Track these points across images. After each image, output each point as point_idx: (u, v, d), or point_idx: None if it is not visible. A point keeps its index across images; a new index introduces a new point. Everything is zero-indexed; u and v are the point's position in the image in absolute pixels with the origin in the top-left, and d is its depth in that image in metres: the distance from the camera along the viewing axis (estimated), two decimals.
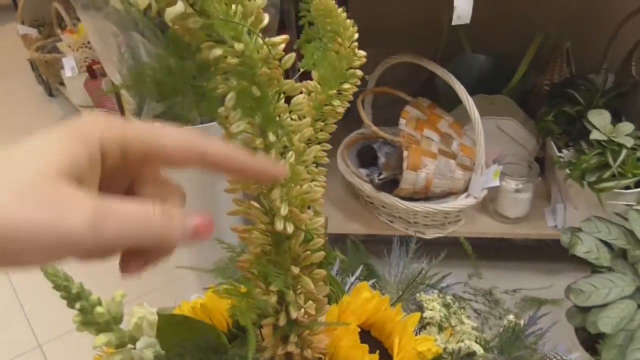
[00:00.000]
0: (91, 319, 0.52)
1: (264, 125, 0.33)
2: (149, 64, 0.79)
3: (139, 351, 0.52)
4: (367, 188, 1.23)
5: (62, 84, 2.10)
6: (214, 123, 0.87)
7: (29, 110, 2.35)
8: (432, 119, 1.26)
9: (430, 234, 1.24)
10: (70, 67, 1.89)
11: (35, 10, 2.36)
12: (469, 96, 1.15)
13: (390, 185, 1.24)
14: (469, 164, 1.21)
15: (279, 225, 0.37)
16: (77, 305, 0.51)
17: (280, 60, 0.33)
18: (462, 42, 1.67)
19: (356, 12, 1.74)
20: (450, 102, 1.37)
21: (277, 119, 0.34)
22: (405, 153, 1.16)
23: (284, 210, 0.36)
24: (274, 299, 0.42)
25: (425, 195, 1.21)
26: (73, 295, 0.51)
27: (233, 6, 0.32)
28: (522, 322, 0.57)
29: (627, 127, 1.19)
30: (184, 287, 1.37)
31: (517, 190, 1.26)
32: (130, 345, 0.54)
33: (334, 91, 0.49)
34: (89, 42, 1.91)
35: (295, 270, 0.41)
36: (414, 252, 0.68)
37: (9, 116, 2.30)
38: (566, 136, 1.31)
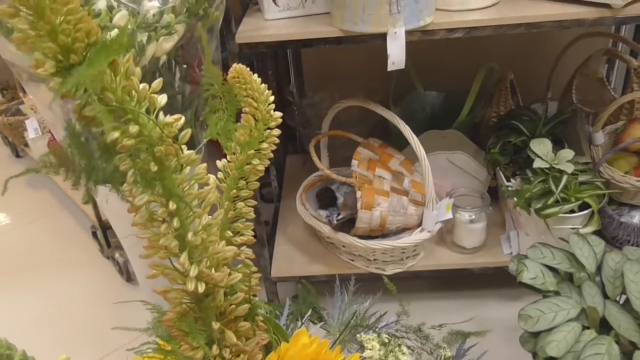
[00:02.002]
0: None
1: (166, 196, 0.37)
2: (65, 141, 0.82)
3: None
4: (326, 229, 1.27)
5: (27, 145, 2.12)
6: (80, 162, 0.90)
7: None
8: (383, 158, 1.31)
9: (390, 270, 1.27)
10: (33, 129, 1.92)
11: (0, 75, 2.39)
12: (414, 135, 1.20)
13: (349, 225, 1.27)
14: (420, 199, 1.25)
15: (191, 286, 0.39)
16: None
17: (176, 137, 0.37)
18: (414, 80, 1.74)
19: (311, 58, 1.81)
20: (403, 139, 1.42)
21: (178, 189, 0.37)
22: (358, 193, 1.20)
23: (193, 271, 0.39)
24: (199, 354, 0.45)
25: (381, 232, 1.24)
26: None
27: (129, 92, 0.36)
28: (451, 355, 0.60)
29: (567, 153, 1.24)
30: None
31: (472, 221, 1.30)
32: None
33: (253, 151, 0.53)
34: None
35: (216, 325, 0.43)
36: (355, 292, 0.70)
37: None
38: (513, 166, 1.36)
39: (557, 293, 0.97)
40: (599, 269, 0.98)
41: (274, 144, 0.54)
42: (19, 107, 2.14)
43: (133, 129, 0.34)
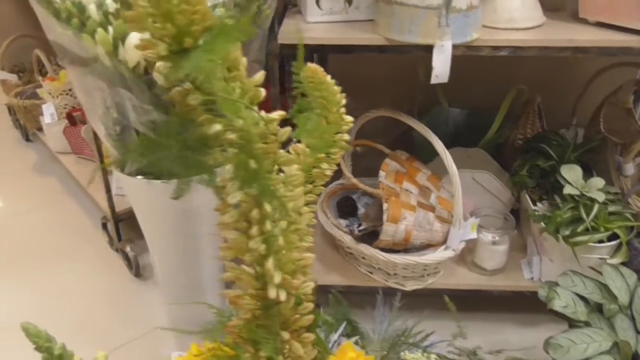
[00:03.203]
0: None
1: (261, 197, 0.34)
2: (135, 119, 0.80)
3: None
4: (347, 239, 1.24)
5: (39, 129, 2.09)
6: (195, 177, 0.88)
7: (4, 154, 2.32)
8: (410, 171, 1.29)
9: (410, 286, 1.25)
10: (49, 114, 1.89)
11: (16, 56, 2.37)
12: (446, 151, 1.18)
13: (370, 236, 1.25)
14: (446, 216, 1.23)
15: (272, 293, 0.37)
16: None
17: (276, 134, 0.35)
18: (439, 95, 1.73)
19: (336, 66, 1.79)
20: (427, 154, 1.41)
21: (273, 190, 0.35)
22: (385, 205, 1.18)
23: (277, 278, 0.37)
24: None
25: (404, 247, 1.22)
26: (55, 357, 0.50)
27: (232, 83, 0.33)
28: None
29: (598, 182, 1.23)
30: (159, 342, 1.34)
31: (494, 243, 1.28)
32: None
33: (323, 155, 0.51)
34: (69, 89, 1.92)
35: (285, 335, 0.41)
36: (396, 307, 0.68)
37: None
38: (540, 189, 1.34)
39: (587, 324, 0.95)
40: (630, 302, 0.96)
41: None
42: (35, 91, 2.11)
43: (238, 122, 0.32)
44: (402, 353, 0.62)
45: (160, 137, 0.84)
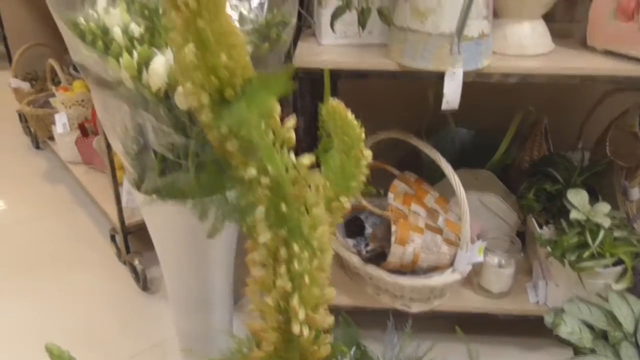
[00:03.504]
0: None
1: (290, 237, 0.36)
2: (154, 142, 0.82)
3: None
4: (355, 260, 1.26)
5: (50, 138, 2.11)
6: (212, 197, 0.89)
7: (14, 160, 2.35)
8: (419, 193, 1.30)
9: (416, 308, 1.26)
10: (62, 124, 1.91)
11: (30, 65, 2.40)
12: (454, 174, 1.19)
13: (378, 257, 1.26)
14: (454, 239, 1.24)
15: (296, 329, 0.39)
16: None
17: (306, 179, 0.36)
18: (447, 116, 1.74)
19: (345, 85, 1.81)
20: (435, 175, 1.42)
21: (302, 231, 0.36)
22: (393, 227, 1.19)
23: (301, 314, 0.38)
24: None
25: (412, 269, 1.23)
26: None
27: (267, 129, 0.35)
28: None
29: (604, 207, 1.24)
30: (165, 355, 1.35)
31: (500, 266, 1.29)
32: None
33: (342, 188, 0.52)
34: (82, 100, 1.94)
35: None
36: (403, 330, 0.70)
37: None
38: (546, 213, 1.35)
39: (592, 350, 0.96)
40: (635, 329, 0.97)
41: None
42: (47, 100, 2.14)
43: (272, 169, 0.34)
44: None
45: (178, 159, 0.86)
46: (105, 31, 0.79)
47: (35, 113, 2.12)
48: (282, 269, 0.37)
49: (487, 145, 1.67)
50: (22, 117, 2.47)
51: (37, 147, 2.41)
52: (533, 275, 1.36)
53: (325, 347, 0.45)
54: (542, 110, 1.62)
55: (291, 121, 0.36)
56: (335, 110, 0.51)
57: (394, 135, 1.30)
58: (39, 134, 2.25)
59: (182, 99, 0.76)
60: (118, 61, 0.77)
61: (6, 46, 2.59)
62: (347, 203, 0.53)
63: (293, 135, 0.36)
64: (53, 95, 2.06)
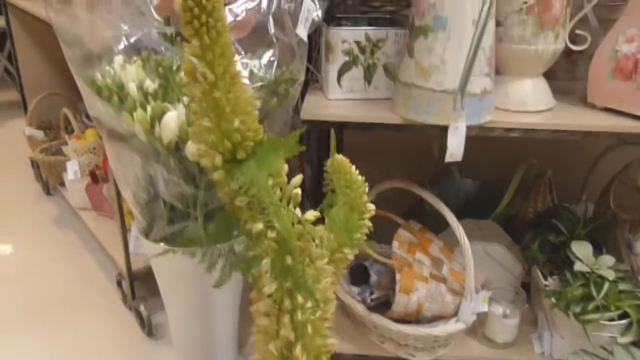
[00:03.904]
0: None
1: (294, 289, 0.38)
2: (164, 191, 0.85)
3: None
4: (360, 308, 1.26)
5: (61, 184, 2.16)
6: (219, 248, 0.92)
7: (25, 206, 2.38)
8: (423, 242, 1.32)
9: (420, 357, 1.25)
10: (73, 171, 1.96)
11: (45, 114, 2.46)
12: (458, 223, 1.21)
13: (382, 306, 1.27)
14: (458, 288, 1.25)
15: None
16: None
17: (311, 233, 0.39)
18: (452, 166, 1.77)
19: (350, 137, 1.85)
20: (439, 224, 1.44)
21: (306, 284, 0.38)
22: (398, 276, 1.20)
23: None
24: None
25: (416, 318, 1.24)
26: None
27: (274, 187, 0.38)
28: None
29: (608, 260, 1.25)
30: None
31: (505, 316, 1.29)
32: None
33: (346, 241, 0.54)
34: (94, 148, 1.99)
35: None
36: None
37: (5, 210, 2.34)
38: (551, 264, 1.36)
39: None
40: None
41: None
42: (60, 147, 2.19)
43: (279, 225, 0.36)
44: None
45: (187, 208, 0.88)
46: (121, 87, 0.83)
47: (48, 160, 2.16)
48: (286, 319, 0.39)
49: (492, 196, 1.68)
50: (35, 164, 2.52)
51: (48, 193, 2.46)
52: (538, 326, 1.36)
53: None
54: (546, 163, 1.65)
55: (298, 179, 0.39)
56: (341, 165, 0.54)
57: (399, 185, 1.33)
58: (50, 181, 2.29)
59: (192, 151, 0.79)
60: (132, 115, 0.81)
61: (22, 95, 2.67)
62: (350, 255, 0.55)
63: (299, 192, 0.39)
64: (66, 143, 2.12)
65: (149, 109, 0.79)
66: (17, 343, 1.56)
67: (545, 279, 1.33)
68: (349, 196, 0.55)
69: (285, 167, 0.37)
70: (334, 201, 0.50)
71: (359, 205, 0.55)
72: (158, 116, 0.80)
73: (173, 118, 0.79)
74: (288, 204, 0.38)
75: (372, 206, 0.55)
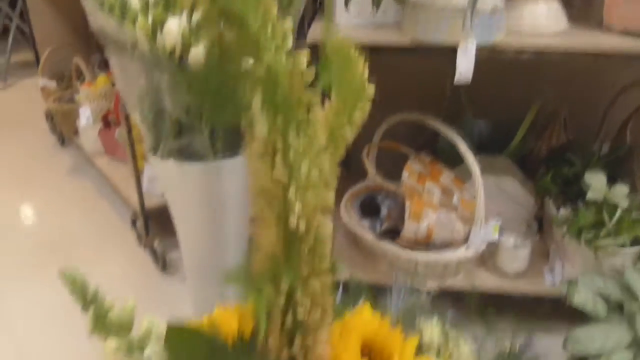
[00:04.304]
0: (103, 324, 0.54)
1: (285, 126, 0.38)
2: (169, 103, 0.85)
3: (146, 358, 0.54)
4: (369, 237, 1.26)
5: (75, 133, 2.17)
6: (228, 160, 0.92)
7: (41, 157, 2.42)
8: (433, 173, 1.31)
9: (429, 285, 1.26)
10: (85, 117, 1.97)
11: (56, 65, 2.47)
12: (469, 151, 1.20)
13: (392, 235, 1.27)
14: (469, 216, 1.24)
15: (293, 222, 0.40)
16: (91, 310, 0.54)
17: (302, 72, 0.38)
18: (464, 106, 1.75)
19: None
20: (451, 161, 1.43)
21: (297, 116, 0.38)
22: (407, 203, 1.20)
23: (298, 207, 0.40)
24: (282, 300, 0.45)
25: (425, 245, 1.23)
26: (87, 301, 0.54)
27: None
28: (516, 346, 0.59)
29: (622, 189, 1.23)
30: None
31: (516, 246, 1.29)
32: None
33: (345, 119, 0.54)
34: (105, 94, 2.00)
35: (305, 270, 0.44)
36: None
37: (23, 163, 2.37)
38: (563, 196, 1.35)
39: (606, 321, 0.95)
40: None
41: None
42: (72, 96, 2.20)
43: (267, 58, 0.36)
44: (416, 321, 0.64)
45: (193, 121, 0.88)
46: (124, 3, 0.83)
47: (61, 109, 2.18)
48: (278, 159, 0.38)
49: (505, 136, 1.66)
50: (50, 117, 2.54)
51: (63, 144, 2.48)
52: (550, 258, 1.35)
53: (325, 258, 0.47)
54: (562, 101, 1.62)
55: (288, 20, 0.38)
56: (341, 46, 0.53)
57: (411, 118, 1.31)
58: (64, 130, 2.31)
59: (195, 59, 0.79)
60: (134, 25, 0.80)
61: (35, 51, 2.68)
62: (349, 133, 0.54)
63: (290, 31, 0.38)
64: (78, 92, 2.12)
65: (149, 16, 0.78)
66: (37, 285, 1.59)
67: (558, 210, 1.32)
68: (347, 82, 0.54)
69: (275, 8, 0.37)
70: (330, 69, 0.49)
71: (357, 85, 0.54)
72: (160, 24, 0.79)
73: (175, 24, 0.78)
74: (281, 42, 0.37)
75: (371, 85, 0.54)
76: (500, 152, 1.61)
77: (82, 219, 1.90)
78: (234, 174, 0.93)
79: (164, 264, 1.57)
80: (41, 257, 1.72)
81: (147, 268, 1.63)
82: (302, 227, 0.41)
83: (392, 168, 1.40)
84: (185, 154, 0.91)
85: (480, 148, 1.64)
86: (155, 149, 0.94)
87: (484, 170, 1.43)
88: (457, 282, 1.29)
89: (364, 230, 1.28)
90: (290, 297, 0.45)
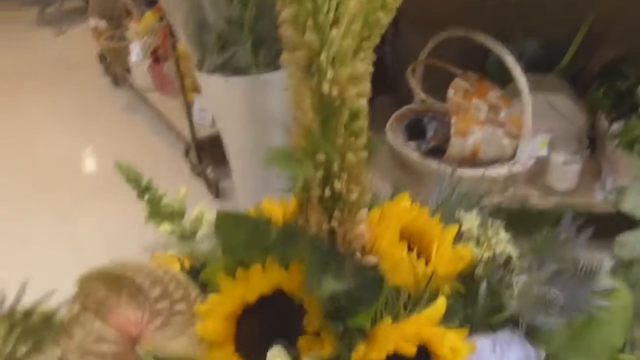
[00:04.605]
0: (157, 210, 0.58)
1: None
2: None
3: (197, 243, 0.58)
4: (415, 156, 1.27)
5: (128, 71, 2.23)
6: (272, 73, 0.93)
7: (97, 98, 2.51)
8: (480, 90, 1.29)
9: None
10: (136, 53, 2.02)
11: (105, 5, 2.52)
12: (517, 66, 1.17)
13: (438, 155, 1.27)
14: (516, 133, 1.22)
15: (326, 88, 0.41)
16: (146, 197, 0.57)
17: None
18: (514, 26, 1.69)
19: None
20: (498, 84, 1.39)
21: None
22: (453, 119, 1.19)
23: (330, 73, 0.41)
24: (320, 173, 0.47)
25: (472, 163, 1.23)
26: (142, 188, 0.58)
27: None
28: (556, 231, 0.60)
29: None
30: None
31: (566, 163, 1.27)
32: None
33: (378, 2, 0.54)
34: (153, 30, 2.04)
35: (340, 140, 0.45)
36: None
37: (80, 104, 2.47)
38: (616, 111, 1.30)
39: None
40: None
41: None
42: (123, 34, 2.26)
43: None
44: (455, 212, 0.65)
45: (235, 33, 0.90)
46: None
47: (112, 47, 2.24)
48: (309, 21, 0.39)
49: (556, 55, 1.61)
50: (103, 58, 2.61)
51: (116, 84, 2.56)
52: (602, 175, 1.32)
53: (362, 132, 0.48)
54: (615, 15, 1.54)
55: None
56: None
57: (460, 34, 1.28)
58: (117, 69, 2.38)
59: None
60: None
61: None
62: (384, 19, 0.54)
63: None
64: (127, 29, 2.17)
65: None
66: (96, 216, 1.69)
67: (610, 124, 1.28)
68: None
69: None
70: None
71: None
72: None
73: None
74: None
75: None
76: (550, 72, 1.56)
77: (138, 153, 1.98)
78: (278, 88, 0.95)
79: (216, 191, 1.63)
80: (100, 188, 1.82)
81: (201, 195, 1.69)
82: (335, 93, 0.42)
83: (438, 89, 1.39)
84: (230, 68, 0.93)
85: (530, 68, 1.60)
86: (200, 65, 0.96)
87: (534, 88, 1.40)
88: (506, 199, 1.28)
89: (410, 150, 1.28)
90: (327, 170, 0.47)
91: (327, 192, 0.48)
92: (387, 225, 0.58)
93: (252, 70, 0.92)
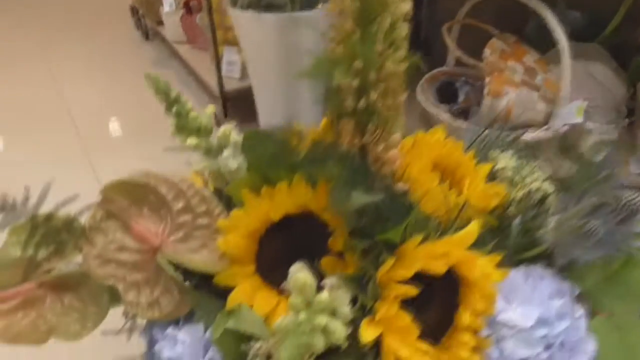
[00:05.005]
0: (185, 124, 0.56)
1: None
2: None
3: (224, 160, 0.57)
4: (445, 116, 1.24)
5: (159, 23, 2.22)
6: (305, 11, 0.91)
7: (127, 52, 2.51)
8: (517, 52, 1.25)
9: None
10: (169, 3, 2.01)
11: None
12: (559, 27, 1.13)
13: (468, 116, 1.24)
14: (552, 97, 1.19)
15: None
16: (174, 109, 0.56)
17: None
18: None
19: None
20: (539, 49, 1.35)
21: None
22: (487, 79, 1.16)
23: None
24: (356, 82, 0.45)
25: (503, 126, 1.20)
26: (171, 100, 0.56)
27: None
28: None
29: None
30: None
31: (602, 132, 1.23)
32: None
33: None
34: None
35: (379, 48, 0.43)
36: None
37: (111, 58, 2.47)
38: None
39: None
40: None
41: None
42: None
43: None
44: (491, 152, 0.63)
45: None
46: None
47: None
48: None
49: (599, 27, 1.55)
50: (135, 12, 2.60)
51: (147, 38, 2.55)
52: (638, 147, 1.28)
53: (402, 39, 0.46)
54: None
55: None
56: None
57: None
58: (148, 20, 2.37)
59: None
60: None
61: None
62: None
63: None
64: None
65: None
66: (127, 158, 1.70)
67: None
68: None
69: None
70: None
71: None
72: None
73: None
74: None
75: None
76: (592, 42, 1.51)
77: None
78: (313, 27, 0.93)
79: None
80: (132, 135, 1.83)
81: None
82: None
83: (473, 51, 1.35)
84: (264, 5, 0.91)
85: (571, 38, 1.54)
86: (234, 0, 0.95)
87: (574, 56, 1.35)
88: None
89: (440, 110, 1.25)
90: (364, 79, 0.45)
91: (362, 103, 0.46)
92: (420, 154, 0.56)
93: (287, 8, 0.90)
